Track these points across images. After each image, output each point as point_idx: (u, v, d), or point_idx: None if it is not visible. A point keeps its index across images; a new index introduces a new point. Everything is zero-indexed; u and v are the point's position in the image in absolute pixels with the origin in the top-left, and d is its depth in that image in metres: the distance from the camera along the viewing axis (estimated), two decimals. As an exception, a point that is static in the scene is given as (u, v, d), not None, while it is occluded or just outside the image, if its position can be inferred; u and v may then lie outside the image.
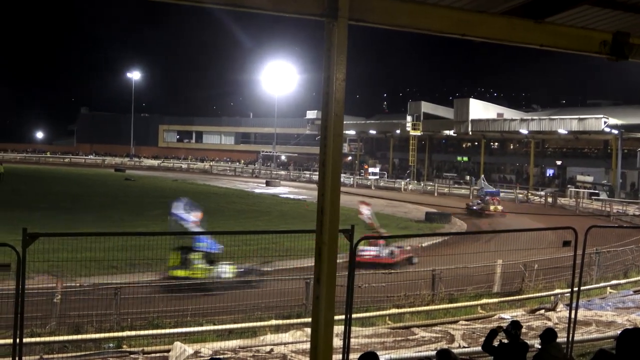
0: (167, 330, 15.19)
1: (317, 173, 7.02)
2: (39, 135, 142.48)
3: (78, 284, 17.32)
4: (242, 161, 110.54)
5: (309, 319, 14.96)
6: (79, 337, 14.56)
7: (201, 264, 21.26)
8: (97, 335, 14.69)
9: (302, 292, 17.72)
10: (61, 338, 14.31)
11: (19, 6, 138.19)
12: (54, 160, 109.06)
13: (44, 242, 7.61)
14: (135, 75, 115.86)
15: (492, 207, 48.25)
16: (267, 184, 76.15)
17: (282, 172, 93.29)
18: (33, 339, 13.55)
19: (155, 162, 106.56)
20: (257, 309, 17.11)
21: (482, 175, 65.57)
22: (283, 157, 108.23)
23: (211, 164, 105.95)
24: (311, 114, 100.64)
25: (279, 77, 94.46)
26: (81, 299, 16.16)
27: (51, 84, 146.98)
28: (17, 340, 7.40)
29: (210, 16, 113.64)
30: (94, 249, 16.21)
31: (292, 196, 61.39)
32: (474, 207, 49.14)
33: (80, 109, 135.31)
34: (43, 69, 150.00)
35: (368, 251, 25.41)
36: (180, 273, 20.68)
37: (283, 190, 69.08)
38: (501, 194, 55.63)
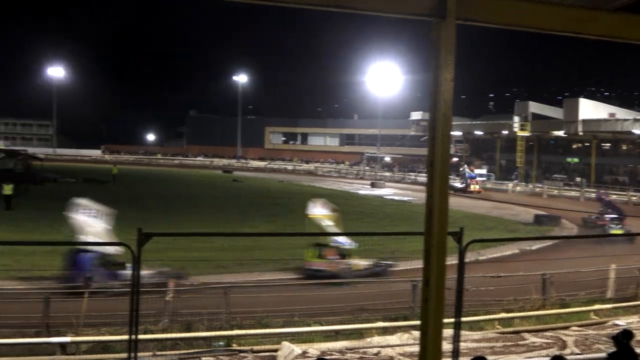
0: (276, 330, 15.37)
1: (422, 174, 6.95)
2: (150, 137, 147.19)
3: (189, 283, 17.77)
4: (347, 162, 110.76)
5: (416, 322, 14.89)
6: (190, 334, 14.91)
7: (335, 258, 22.83)
8: (208, 334, 14.99)
9: (408, 294, 17.61)
10: (173, 335, 14.70)
11: (131, 14, 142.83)
12: (164, 162, 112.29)
13: (157, 242, 7.83)
14: (241, 78, 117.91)
15: (472, 187, 65.61)
16: (372, 185, 76.03)
17: (387, 174, 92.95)
18: (147, 336, 13.96)
19: (261, 164, 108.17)
20: (363, 310, 17.11)
21: (465, 165, 78.46)
22: (387, 159, 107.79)
23: (316, 165, 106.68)
24: (416, 115, 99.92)
25: (383, 78, 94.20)
26: (192, 297, 16.56)
27: (162, 88, 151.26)
28: (133, 336, 7.62)
29: (316, 18, 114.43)
30: (203, 248, 16.64)
31: (397, 198, 61.15)
32: (458, 185, 65.13)
33: (189, 111, 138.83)
34: (155, 73, 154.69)
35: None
36: (316, 260, 22.58)
37: (388, 191, 68.86)
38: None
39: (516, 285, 19.51)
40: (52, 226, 31.75)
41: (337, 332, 15.89)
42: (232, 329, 15.39)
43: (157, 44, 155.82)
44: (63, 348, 13.54)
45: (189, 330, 15.22)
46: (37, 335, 14.11)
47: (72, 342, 13.64)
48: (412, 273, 18.04)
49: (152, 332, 14.56)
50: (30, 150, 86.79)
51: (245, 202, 50.02)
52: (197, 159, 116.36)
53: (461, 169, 75.24)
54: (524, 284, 19.59)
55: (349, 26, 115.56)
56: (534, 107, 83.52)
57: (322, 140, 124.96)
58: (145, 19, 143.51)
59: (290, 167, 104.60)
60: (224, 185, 69.68)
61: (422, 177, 78.74)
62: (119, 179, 66.09)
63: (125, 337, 10.12)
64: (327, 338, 15.61)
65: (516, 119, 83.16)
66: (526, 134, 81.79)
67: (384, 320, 16.36)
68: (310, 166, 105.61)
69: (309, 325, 16.01)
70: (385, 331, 15.81)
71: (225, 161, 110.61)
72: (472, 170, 78.18)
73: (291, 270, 22.44)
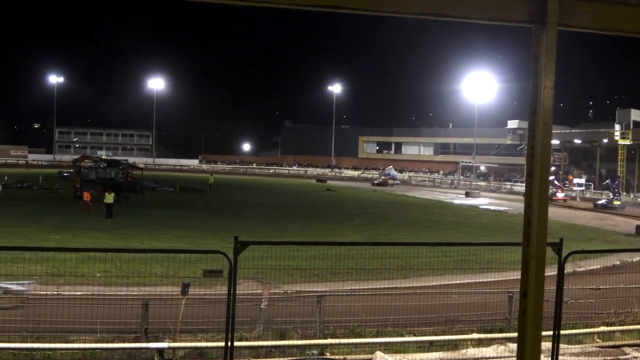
0: (369, 340, 15.30)
1: (519, 184, 6.79)
2: (246, 147, 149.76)
3: (282, 291, 17.89)
4: (441, 172, 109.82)
5: (512, 334, 14.58)
6: (284, 342, 14.99)
7: None
8: (302, 342, 15.05)
9: (504, 306, 17.26)
10: (268, 343, 14.81)
11: (228, 28, 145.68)
12: (259, 171, 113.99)
13: (252, 250, 7.92)
14: (336, 88, 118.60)
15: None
16: (467, 194, 75.16)
17: (482, 183, 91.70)
18: (242, 343, 14.12)
19: (355, 173, 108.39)
20: (457, 321, 16.86)
21: (391, 166, 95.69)
22: (483, 168, 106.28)
23: (410, 174, 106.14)
24: (512, 124, 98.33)
25: (478, 86, 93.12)
26: (286, 306, 16.66)
27: (258, 98, 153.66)
28: (229, 343, 7.72)
29: (411, 27, 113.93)
30: (297, 257, 16.71)
31: (492, 207, 60.23)
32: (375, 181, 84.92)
33: (285, 121, 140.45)
34: (251, 85, 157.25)
35: None
36: None
37: (483, 201, 67.90)
38: None
39: (617, 298, 18.84)
40: (150, 234, 32.70)
41: (431, 342, 15.70)
42: (325, 337, 15.42)
43: (254, 56, 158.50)
44: (160, 353, 13.84)
45: (282, 338, 15.31)
46: (136, 340, 14.46)
47: (170, 348, 13.93)
48: (507, 284, 17.64)
49: (246, 339, 14.72)
50: (131, 160, 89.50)
51: (338, 211, 50.17)
52: (291, 168, 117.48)
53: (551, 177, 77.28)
54: (625, 297, 18.90)
55: (444, 34, 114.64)
56: (636, 114, 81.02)
57: (416, 149, 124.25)
58: (242, 32, 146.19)
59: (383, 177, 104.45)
60: (317, 194, 70.12)
61: (519, 187, 77.40)
62: (215, 188, 67.42)
63: (222, 343, 10.27)
64: (421, 349, 15.44)
65: (617, 127, 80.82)
66: (627, 142, 79.31)
67: (478, 331, 16.08)
68: (404, 175, 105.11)
69: (402, 335, 15.87)
70: (480, 343, 15.52)
71: (319, 170, 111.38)
72: (570, 180, 77.91)
73: (384, 280, 22.31)
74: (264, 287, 16.58)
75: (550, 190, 65.84)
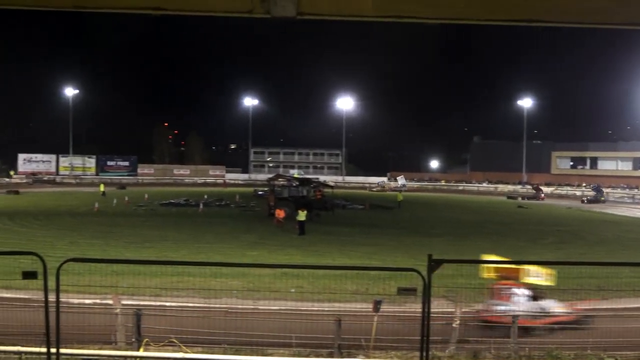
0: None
1: None
2: (434, 164, 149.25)
3: (475, 310, 17.60)
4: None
5: None
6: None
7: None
8: (495, 363, 14.75)
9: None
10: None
11: (413, 48, 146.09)
12: (447, 188, 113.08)
13: (442, 267, 7.84)
14: (526, 102, 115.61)
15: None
16: (672, 212, 70.60)
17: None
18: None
19: (548, 189, 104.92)
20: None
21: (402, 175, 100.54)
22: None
23: (607, 191, 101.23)
24: None
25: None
26: (478, 326, 16.38)
27: (445, 115, 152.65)
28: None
29: (605, 37, 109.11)
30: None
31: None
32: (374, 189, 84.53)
33: (473, 138, 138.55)
34: (438, 101, 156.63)
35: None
36: None
37: (690, 219, 63.48)
38: None
39: None
40: (341, 251, 33.26)
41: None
42: (520, 359, 15.00)
43: (440, 71, 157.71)
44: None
45: (475, 358, 15.06)
46: (330, 355, 14.73)
47: (362, 364, 14.08)
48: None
49: (439, 358, 14.60)
50: (322, 178, 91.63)
51: (530, 229, 48.73)
52: (481, 185, 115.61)
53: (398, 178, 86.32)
54: None
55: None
56: None
57: (613, 164, 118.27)
58: (428, 48, 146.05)
59: (578, 193, 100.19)
60: (508, 211, 68.51)
61: None
62: (404, 205, 67.60)
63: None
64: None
65: None
66: None
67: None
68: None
69: (602, 359, 15.13)
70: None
71: (510, 187, 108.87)
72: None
73: (580, 300, 21.32)
74: (455, 305, 16.35)
75: None
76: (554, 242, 40.14)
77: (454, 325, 15.45)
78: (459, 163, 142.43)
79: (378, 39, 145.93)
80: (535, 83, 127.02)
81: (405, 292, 9.15)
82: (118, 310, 15.17)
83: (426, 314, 7.33)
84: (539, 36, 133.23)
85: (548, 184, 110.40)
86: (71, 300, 15.41)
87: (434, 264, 7.13)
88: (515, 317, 15.84)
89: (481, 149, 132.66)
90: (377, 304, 14.31)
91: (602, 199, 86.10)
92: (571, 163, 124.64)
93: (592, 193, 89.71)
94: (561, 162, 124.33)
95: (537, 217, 60.40)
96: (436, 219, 56.26)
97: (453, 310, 16.11)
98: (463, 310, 16.50)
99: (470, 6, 5.86)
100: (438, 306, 16.71)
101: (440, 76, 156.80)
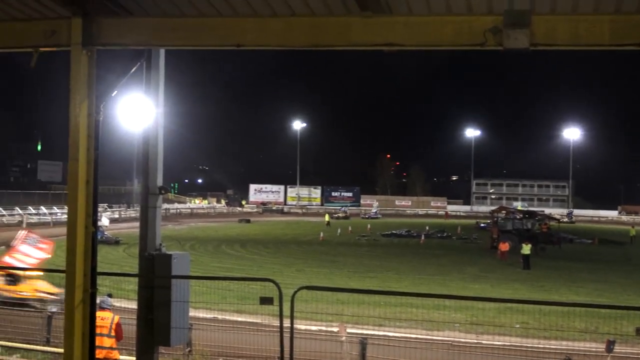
0: None
1: None
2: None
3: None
4: None
5: None
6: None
7: None
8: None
9: None
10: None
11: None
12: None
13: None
14: None
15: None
16: None
17: None
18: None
19: None
20: None
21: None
22: None
23: None
24: None
25: None
26: None
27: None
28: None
29: None
30: None
31: None
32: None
33: None
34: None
35: None
36: None
37: None
38: None
39: None
40: (569, 287, 31.93)
41: None
42: None
43: None
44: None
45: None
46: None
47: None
48: None
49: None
50: (547, 211, 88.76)
51: None
52: None
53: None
54: None
55: None
56: None
57: None
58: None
59: None
60: None
61: None
62: (637, 241, 63.76)
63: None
64: None
65: None
66: None
67: None
68: None
69: None
70: None
71: None
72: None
73: None
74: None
75: None
76: None
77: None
78: None
79: (604, 67, 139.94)
80: None
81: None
82: (344, 338, 15.53)
83: None
84: None
85: None
86: (298, 326, 16.01)
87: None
88: None
89: None
90: (610, 344, 13.61)
91: None
92: None
93: None
94: None
95: None
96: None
97: None
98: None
99: None
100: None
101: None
